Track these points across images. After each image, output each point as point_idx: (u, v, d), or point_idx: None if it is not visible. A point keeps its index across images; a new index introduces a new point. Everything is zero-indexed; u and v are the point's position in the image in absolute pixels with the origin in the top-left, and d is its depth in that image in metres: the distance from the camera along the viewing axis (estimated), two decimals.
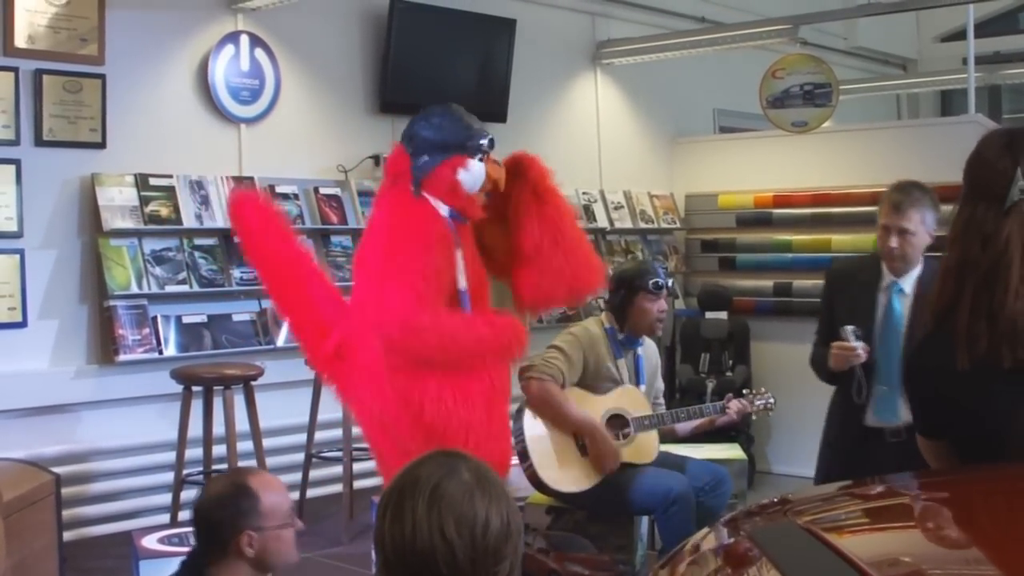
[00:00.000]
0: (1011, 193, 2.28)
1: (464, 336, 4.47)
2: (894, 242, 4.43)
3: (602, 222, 9.35)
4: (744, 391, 6.02)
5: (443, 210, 4.54)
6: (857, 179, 8.77)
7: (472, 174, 4.55)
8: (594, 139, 9.66)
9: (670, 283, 5.70)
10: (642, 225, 9.61)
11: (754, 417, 6.06)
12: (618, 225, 9.46)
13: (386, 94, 8.01)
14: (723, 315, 8.99)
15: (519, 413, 5.48)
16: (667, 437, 5.79)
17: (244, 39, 7.33)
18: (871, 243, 8.48)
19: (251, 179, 7.24)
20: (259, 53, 7.41)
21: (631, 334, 5.62)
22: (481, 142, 4.60)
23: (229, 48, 7.27)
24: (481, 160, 4.59)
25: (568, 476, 5.42)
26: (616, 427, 5.48)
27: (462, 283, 4.57)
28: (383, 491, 2.11)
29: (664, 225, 9.78)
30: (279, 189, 7.39)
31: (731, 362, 8.88)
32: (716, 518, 5.00)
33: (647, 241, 9.74)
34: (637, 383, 5.66)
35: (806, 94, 9.01)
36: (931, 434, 2.39)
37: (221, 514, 3.10)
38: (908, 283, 4.49)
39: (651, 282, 5.53)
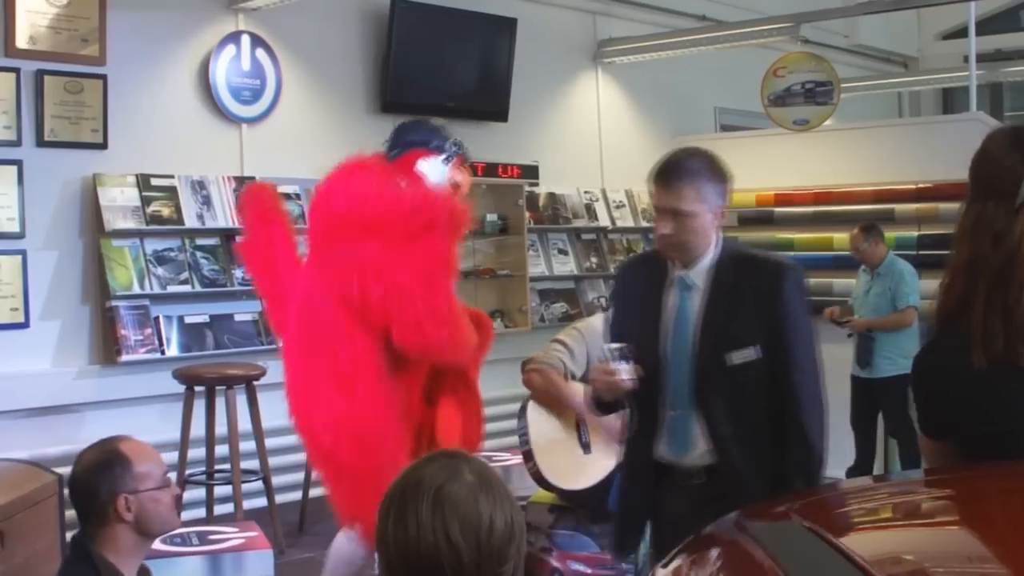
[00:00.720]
0: (1022, 190, 2.27)
1: (406, 198, 4.66)
2: (666, 227, 3.48)
3: (604, 221, 9.35)
4: None
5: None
6: (859, 177, 8.77)
7: (432, 168, 4.74)
8: (595, 138, 9.66)
9: None
10: (644, 224, 9.61)
11: None
12: (620, 224, 9.46)
13: (387, 94, 8.01)
14: None
15: (522, 411, 5.48)
16: None
17: (245, 39, 7.33)
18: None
19: (252, 179, 7.24)
20: (260, 53, 7.41)
21: None
22: (444, 144, 4.82)
23: (230, 48, 7.27)
24: (446, 162, 4.79)
25: (572, 473, 5.41)
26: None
27: None
28: (385, 493, 2.10)
29: None
30: (280, 189, 7.37)
31: None
32: (720, 517, 5.00)
33: (649, 240, 9.73)
34: None
35: (807, 92, 9.00)
36: (937, 434, 2.38)
37: (96, 480, 3.12)
38: (698, 275, 3.54)
39: None
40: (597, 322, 5.66)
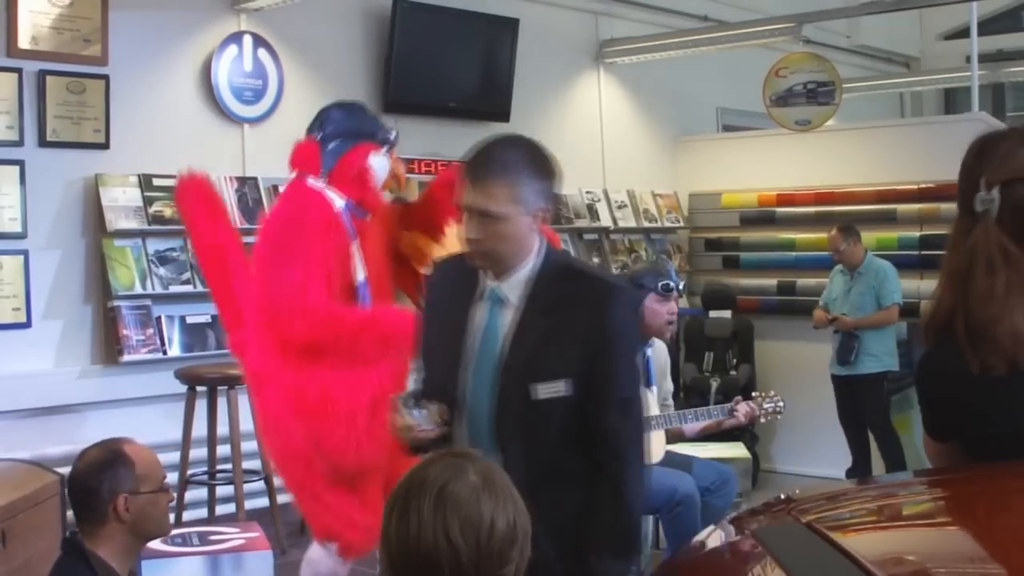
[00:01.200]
0: (977, 197, 2.28)
1: (349, 319, 4.50)
2: (473, 231, 2.91)
3: (606, 221, 9.35)
4: (753, 393, 5.93)
5: (337, 203, 4.61)
6: (861, 177, 8.78)
7: (378, 165, 4.67)
8: (597, 138, 9.66)
9: (680, 285, 5.57)
10: (646, 224, 9.61)
11: (762, 420, 5.87)
12: (622, 224, 9.46)
13: (389, 94, 8.01)
14: (727, 314, 8.99)
15: None
16: (673, 437, 5.77)
17: (247, 39, 7.34)
18: (876, 242, 8.51)
19: (254, 179, 7.25)
20: (262, 53, 7.41)
21: (640, 335, 5.56)
22: (389, 136, 4.75)
23: (232, 48, 7.27)
24: (386, 154, 4.72)
25: None
26: None
27: (360, 275, 4.61)
28: (393, 490, 2.10)
29: (668, 224, 9.78)
30: (282, 189, 7.38)
31: (735, 361, 8.88)
32: (721, 517, 5.01)
33: (651, 240, 9.74)
34: (647, 384, 5.62)
35: (809, 92, 9.01)
36: (942, 436, 2.38)
37: (98, 478, 3.15)
38: (513, 288, 2.97)
39: (661, 284, 5.37)
40: None
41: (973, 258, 2.26)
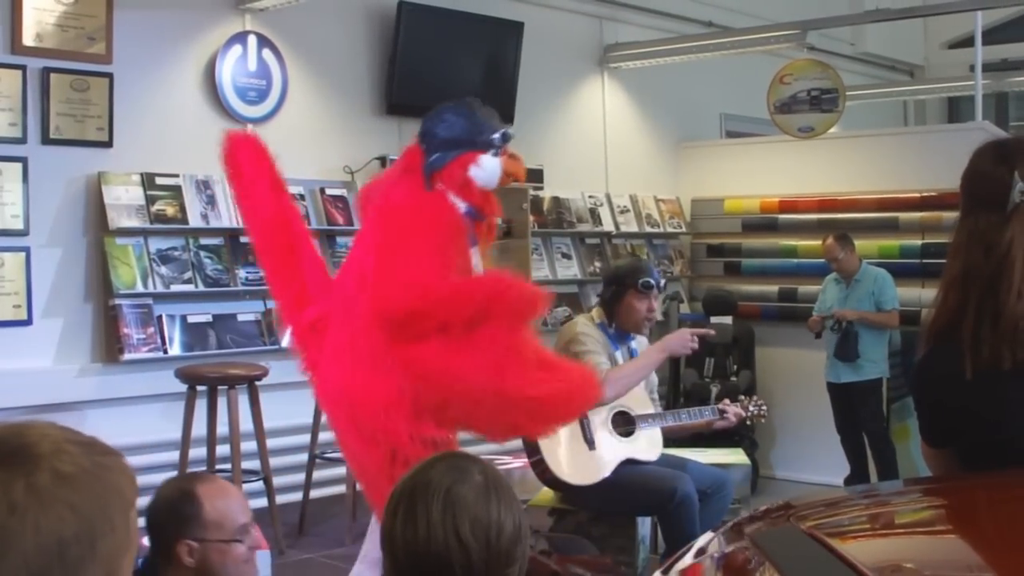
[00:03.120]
0: (1012, 197, 2.30)
1: (472, 287, 4.27)
2: None
3: (608, 226, 9.35)
4: (741, 397, 6.01)
5: (460, 205, 4.42)
6: (863, 185, 8.78)
7: (485, 170, 4.38)
8: (601, 143, 9.66)
9: (663, 283, 5.68)
10: (648, 229, 9.62)
11: (748, 423, 5.99)
12: (624, 229, 9.46)
13: (393, 95, 8.02)
14: (728, 320, 8.99)
15: None
16: (668, 440, 5.80)
17: (252, 39, 7.34)
18: (878, 250, 8.52)
19: None
20: (266, 53, 7.41)
21: (620, 330, 5.62)
22: (493, 137, 4.41)
23: (236, 48, 7.28)
24: (496, 155, 4.42)
25: (576, 469, 5.42)
26: (620, 424, 5.47)
27: None
28: (392, 492, 2.10)
29: (670, 229, 9.78)
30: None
31: (736, 367, 8.88)
32: (717, 521, 5.00)
33: (653, 245, 9.74)
34: None
35: (813, 99, 9.01)
36: (938, 443, 2.39)
37: (162, 518, 2.95)
38: None
39: (641, 281, 5.49)
40: (587, 322, 5.64)
41: (1010, 251, 2.28)
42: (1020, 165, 2.33)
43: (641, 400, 5.61)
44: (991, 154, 2.39)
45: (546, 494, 5.71)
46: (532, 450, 5.41)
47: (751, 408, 5.85)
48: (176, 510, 2.95)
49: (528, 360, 4.21)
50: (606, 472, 5.40)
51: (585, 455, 5.43)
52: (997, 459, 2.26)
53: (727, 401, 5.85)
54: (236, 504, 3.04)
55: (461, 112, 4.47)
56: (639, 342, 5.79)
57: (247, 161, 4.65)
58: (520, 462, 6.29)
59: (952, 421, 2.35)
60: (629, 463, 5.44)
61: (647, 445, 5.54)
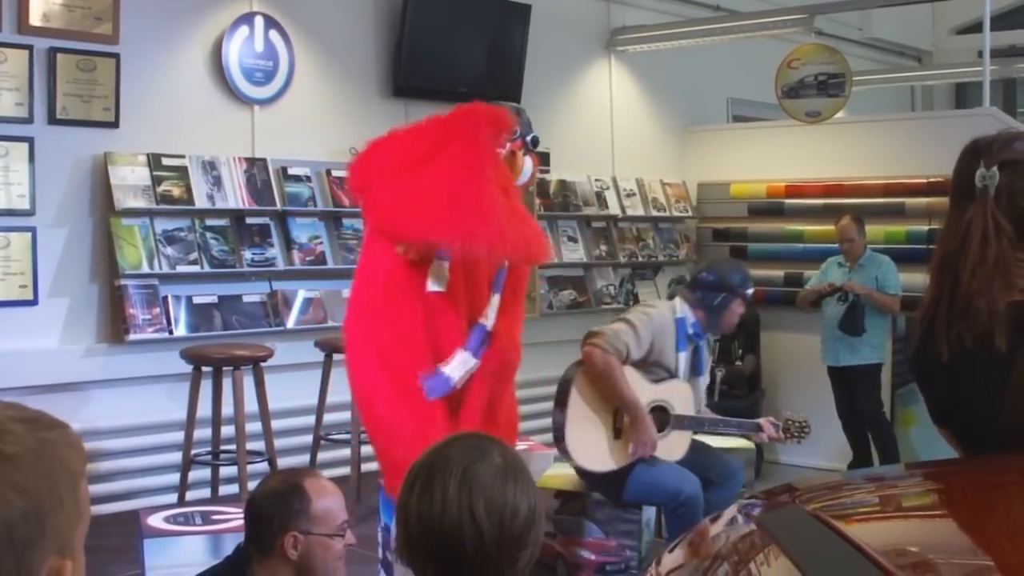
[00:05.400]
0: (975, 180, 2.37)
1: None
2: None
3: (614, 209, 9.35)
4: (790, 420, 5.83)
5: None
6: (870, 170, 8.77)
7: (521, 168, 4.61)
8: (607, 126, 9.65)
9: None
10: (654, 213, 9.62)
11: (784, 441, 5.88)
12: (630, 213, 9.46)
13: (400, 77, 8.01)
14: None
15: (566, 382, 5.43)
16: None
17: (259, 20, 7.33)
18: (884, 235, 8.51)
19: (263, 160, 7.25)
20: (273, 35, 7.40)
21: (710, 331, 5.72)
22: (528, 138, 4.65)
23: (243, 29, 7.27)
24: (525, 155, 4.64)
25: (591, 452, 5.42)
26: (655, 420, 5.44)
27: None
28: (410, 467, 2.11)
29: (676, 213, 9.78)
30: (291, 171, 7.40)
31: (740, 351, 8.87)
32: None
33: (659, 229, 9.74)
34: (696, 374, 5.66)
35: (820, 84, 9.00)
36: (940, 424, 2.43)
37: (270, 510, 3.05)
38: None
39: (749, 291, 5.76)
40: (667, 311, 5.61)
41: (968, 231, 2.34)
42: (986, 156, 2.39)
43: (684, 399, 5.57)
44: (968, 150, 2.48)
45: (551, 478, 5.72)
46: (558, 422, 5.41)
47: (793, 431, 5.74)
48: (285, 502, 3.04)
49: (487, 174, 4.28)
50: (620, 464, 5.40)
51: (607, 443, 5.43)
52: (988, 439, 2.29)
53: (771, 420, 5.76)
54: (338, 501, 3.16)
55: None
56: (707, 341, 5.87)
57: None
58: (525, 444, 6.30)
59: (940, 404, 2.39)
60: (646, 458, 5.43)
61: (673, 447, 5.52)
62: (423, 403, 4.26)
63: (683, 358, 5.57)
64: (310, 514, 3.05)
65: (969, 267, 2.31)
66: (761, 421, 5.70)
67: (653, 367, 5.49)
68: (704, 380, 5.84)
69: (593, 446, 5.42)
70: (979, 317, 2.26)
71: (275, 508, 3.04)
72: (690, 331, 5.57)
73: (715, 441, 6.16)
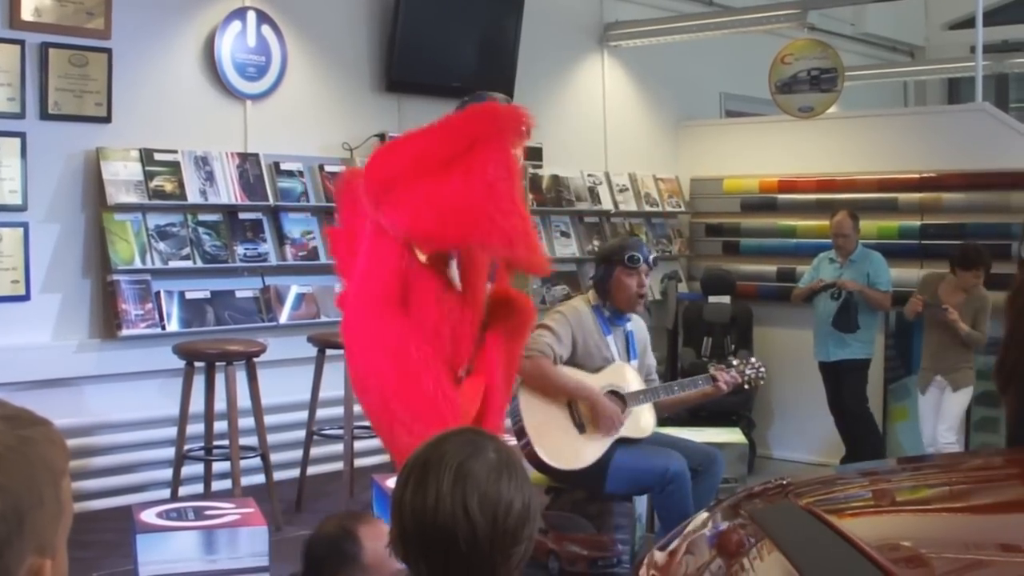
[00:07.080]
0: (1013, 246, 2.42)
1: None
2: None
3: (607, 204, 9.35)
4: (733, 360, 5.96)
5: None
6: (863, 165, 8.77)
7: None
8: (600, 121, 9.65)
9: (651, 258, 5.71)
10: (647, 208, 9.61)
11: (747, 387, 5.90)
12: (623, 208, 9.46)
13: (392, 72, 8.00)
14: (726, 299, 9.00)
15: (513, 397, 5.47)
16: (664, 420, 5.82)
17: (251, 15, 7.32)
18: (877, 230, 8.51)
19: (256, 155, 7.24)
20: (266, 29, 7.39)
21: (615, 310, 5.64)
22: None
23: (236, 24, 7.25)
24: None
25: (565, 453, 5.43)
26: (612, 403, 5.48)
27: None
28: (404, 462, 2.12)
29: (669, 208, 9.78)
30: (284, 166, 7.39)
31: (733, 346, 8.87)
32: (709, 498, 5.02)
33: (652, 224, 9.74)
34: (628, 359, 5.67)
35: (812, 79, 9.01)
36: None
37: (322, 553, 3.09)
38: None
39: (628, 256, 5.57)
40: (580, 304, 5.68)
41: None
42: None
43: (631, 378, 5.62)
44: None
45: (540, 474, 5.73)
46: (520, 433, 5.42)
47: (747, 372, 5.81)
48: (337, 548, 3.07)
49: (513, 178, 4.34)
50: (595, 456, 5.40)
51: (575, 440, 5.43)
52: None
53: (720, 367, 5.82)
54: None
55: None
56: (635, 324, 5.79)
57: (349, 203, 4.89)
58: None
59: None
60: (621, 442, 5.44)
61: (639, 422, 5.55)
62: (440, 399, 4.32)
63: (612, 342, 5.60)
64: (361, 561, 3.07)
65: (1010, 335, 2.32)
66: (713, 372, 5.75)
67: (588, 360, 5.52)
68: (648, 363, 5.87)
69: (566, 447, 5.43)
70: None
71: (327, 551, 3.09)
72: (607, 314, 5.61)
73: (705, 436, 6.17)
